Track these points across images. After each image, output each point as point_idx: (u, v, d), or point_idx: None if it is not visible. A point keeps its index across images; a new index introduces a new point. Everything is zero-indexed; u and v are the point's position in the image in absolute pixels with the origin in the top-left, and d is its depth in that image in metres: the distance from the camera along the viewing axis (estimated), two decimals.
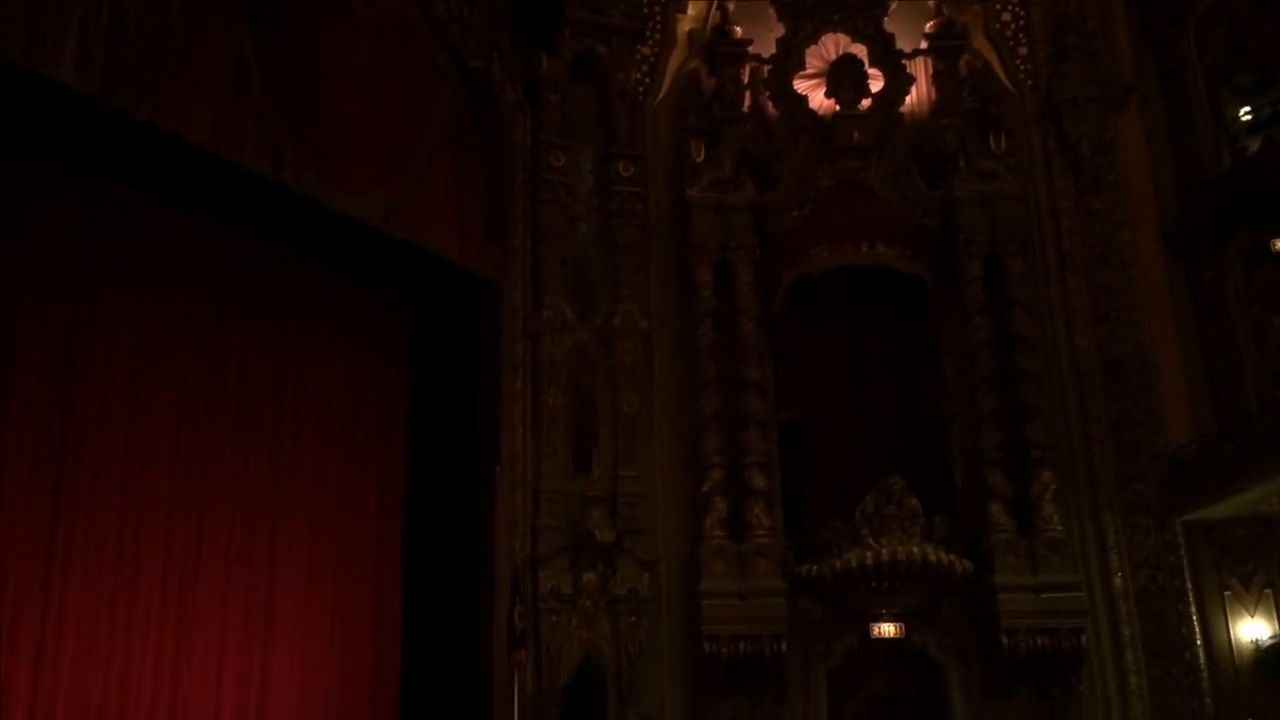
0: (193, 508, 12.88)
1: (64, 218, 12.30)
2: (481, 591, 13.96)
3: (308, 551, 13.73)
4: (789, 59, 15.40)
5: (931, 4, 15.87)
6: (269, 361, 13.85)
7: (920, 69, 15.62)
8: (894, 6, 15.67)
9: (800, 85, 15.33)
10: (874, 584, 13.40)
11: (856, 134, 14.87)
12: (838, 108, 15.09)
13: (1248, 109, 14.81)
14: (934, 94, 15.45)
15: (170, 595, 12.51)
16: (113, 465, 12.29)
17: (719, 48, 15.60)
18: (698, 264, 14.66)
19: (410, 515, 14.75)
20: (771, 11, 15.66)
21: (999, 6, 16.17)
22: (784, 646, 13.40)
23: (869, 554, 13.27)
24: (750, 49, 15.63)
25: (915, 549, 13.24)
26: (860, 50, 15.36)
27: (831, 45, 15.49)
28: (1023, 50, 16.02)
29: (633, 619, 13.73)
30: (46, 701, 11.33)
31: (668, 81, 15.87)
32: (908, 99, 15.35)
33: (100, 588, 11.96)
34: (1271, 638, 13.47)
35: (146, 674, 12.13)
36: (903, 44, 15.50)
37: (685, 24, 16.14)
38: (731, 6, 15.76)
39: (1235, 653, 13.59)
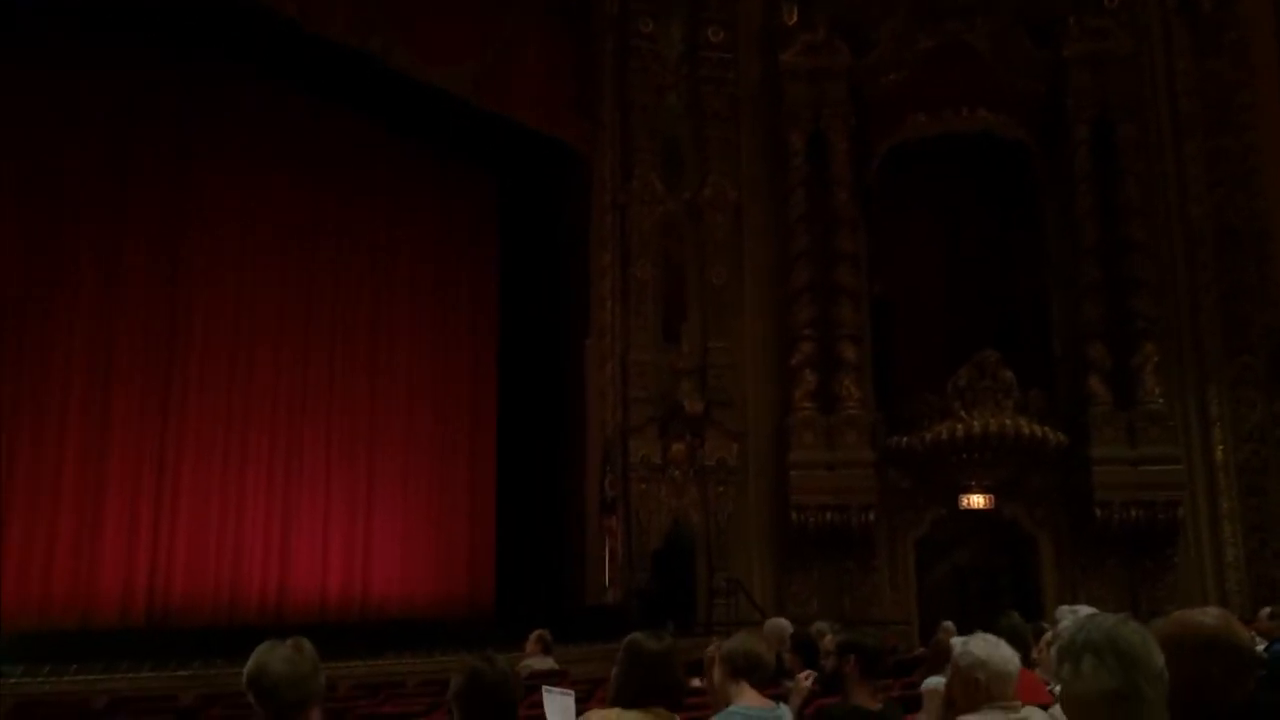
0: (296, 373, 13.33)
1: (168, 94, 12.54)
2: (573, 461, 14.28)
3: (406, 419, 14.14)
4: None
5: None
6: (365, 234, 14.06)
7: None
8: None
9: None
10: (965, 456, 13.35)
11: None
12: None
13: None
14: None
15: (278, 459, 13.05)
16: (221, 324, 12.73)
17: None
18: (790, 132, 14.34)
19: (503, 387, 15.05)
20: None
21: None
22: (872, 517, 13.53)
23: (960, 426, 13.19)
24: None
25: (1008, 421, 13.12)
26: None
27: None
28: None
29: (721, 488, 13.95)
30: (165, 562, 12.02)
31: None
32: None
33: (212, 449, 12.51)
34: None
35: (257, 535, 12.75)
36: None
37: None
38: None
39: None
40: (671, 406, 13.88)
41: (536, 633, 8.19)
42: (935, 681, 5.20)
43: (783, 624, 7.12)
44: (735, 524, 13.93)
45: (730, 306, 14.36)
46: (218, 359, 12.69)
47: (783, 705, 3.97)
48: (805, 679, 4.54)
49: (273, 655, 2.82)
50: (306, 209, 13.52)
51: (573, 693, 3.85)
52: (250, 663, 2.84)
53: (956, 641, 3.84)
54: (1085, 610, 4.13)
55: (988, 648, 3.65)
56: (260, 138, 13.18)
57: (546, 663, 7.81)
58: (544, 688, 3.94)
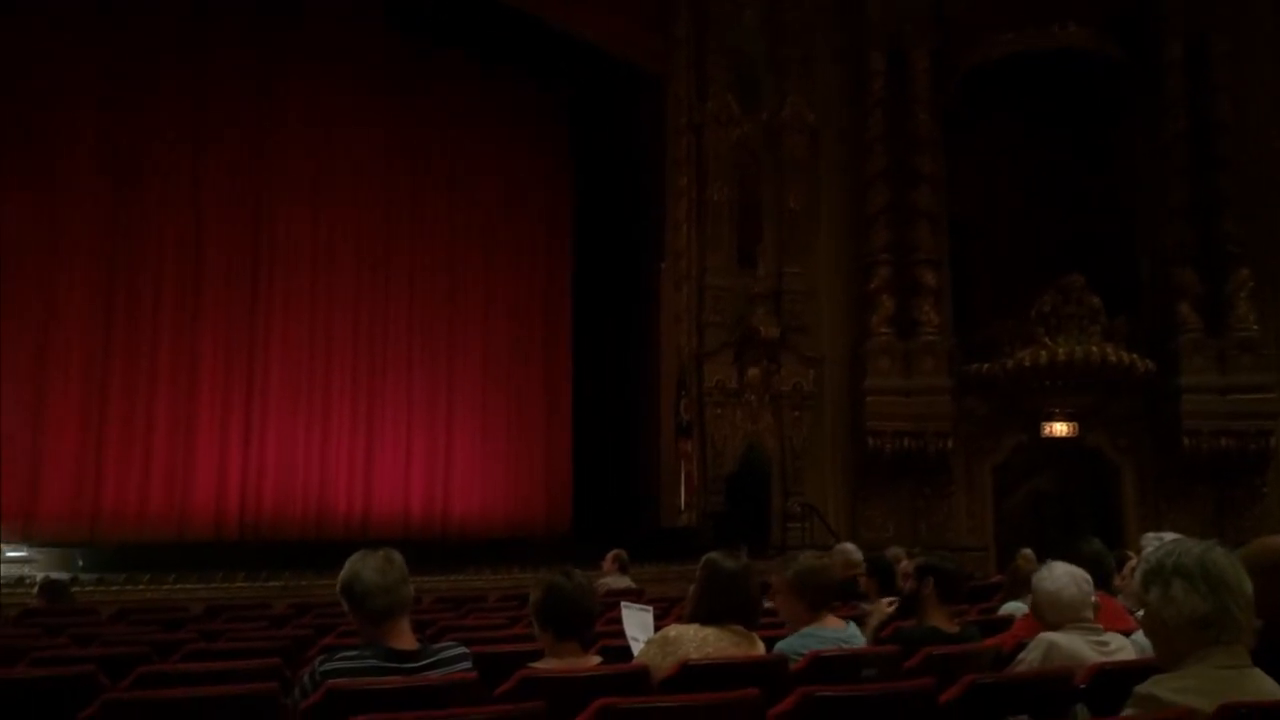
0: (376, 298, 13.56)
1: (245, 19, 12.64)
2: (648, 384, 14.35)
3: (482, 343, 14.32)
4: None
5: None
6: (439, 156, 14.14)
7: None
8: None
9: None
10: (1047, 383, 13.12)
11: None
12: None
13: None
14: None
15: (361, 381, 13.36)
16: (303, 249, 12.99)
17: None
18: (869, 51, 13.94)
19: (578, 311, 15.12)
20: None
21: None
22: (949, 443, 13.39)
23: (1044, 353, 12.93)
24: None
25: (1094, 348, 12.83)
26: None
27: None
28: None
29: (796, 414, 13.89)
30: (255, 479, 12.44)
31: None
32: None
33: (297, 371, 12.87)
34: None
35: (342, 454, 13.12)
36: None
37: None
38: None
39: None
40: (746, 331, 13.80)
41: (613, 552, 8.31)
42: (1014, 607, 5.19)
43: (850, 548, 7.14)
44: (810, 449, 13.91)
45: (806, 230, 14.15)
46: (300, 284, 12.97)
47: (852, 625, 3.99)
48: (888, 604, 4.55)
49: (365, 564, 2.91)
50: (383, 133, 13.63)
51: (650, 608, 3.92)
52: (344, 570, 2.93)
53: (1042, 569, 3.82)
54: (1171, 538, 4.07)
55: (1064, 574, 3.65)
56: (336, 62, 13.26)
57: (623, 581, 7.94)
58: (623, 603, 4.02)
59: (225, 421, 12.32)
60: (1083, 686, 3.19)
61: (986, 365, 13.40)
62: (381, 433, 13.42)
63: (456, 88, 14.21)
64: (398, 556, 2.99)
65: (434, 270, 14.03)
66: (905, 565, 5.46)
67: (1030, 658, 3.55)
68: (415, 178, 13.93)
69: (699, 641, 3.35)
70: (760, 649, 3.50)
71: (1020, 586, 5.30)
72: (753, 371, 13.90)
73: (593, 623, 3.29)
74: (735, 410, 13.83)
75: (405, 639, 2.92)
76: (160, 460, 11.85)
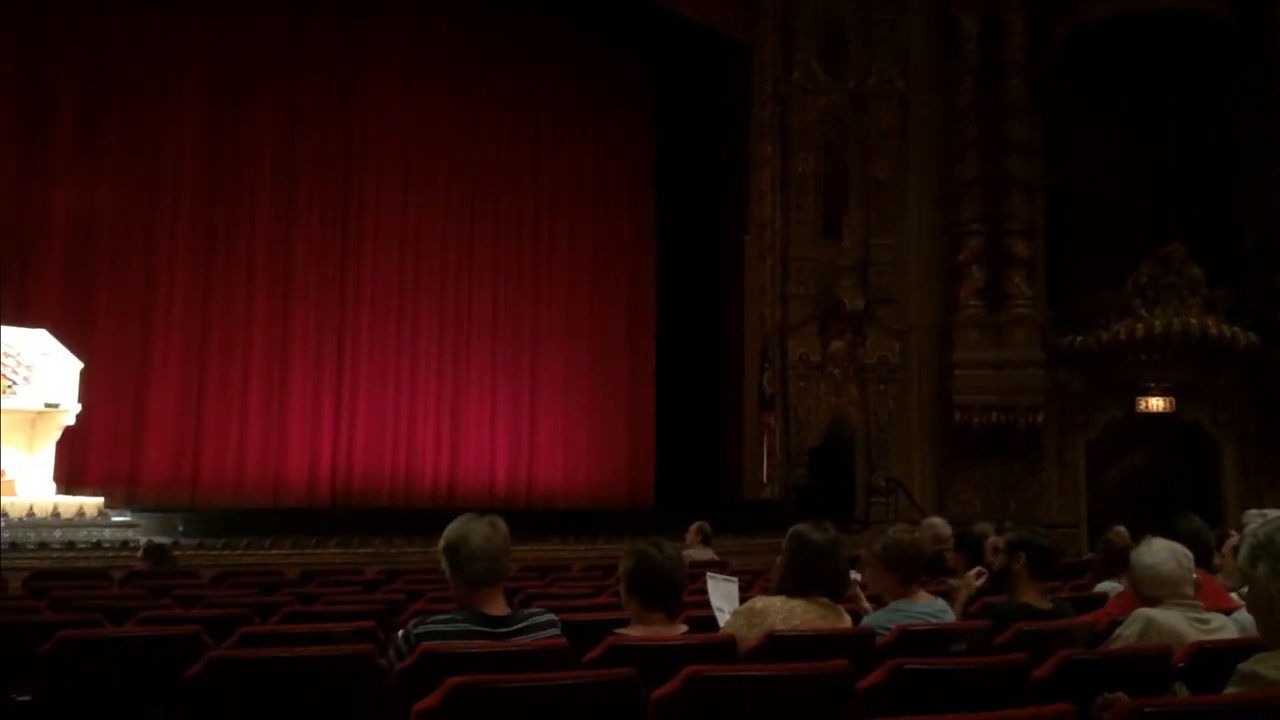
0: (462, 271, 13.73)
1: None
2: (731, 356, 14.30)
3: (566, 315, 14.41)
4: None
5: None
6: (524, 126, 14.21)
7: None
8: None
9: None
10: (1144, 356, 12.73)
11: None
12: None
13: None
14: None
15: (447, 353, 13.56)
16: (391, 223, 13.19)
17: None
18: (962, 15, 13.59)
19: (661, 282, 15.10)
20: None
21: None
22: (1040, 418, 13.11)
23: (1140, 325, 12.55)
24: None
25: (1194, 320, 12.41)
26: None
27: None
28: None
29: (882, 387, 13.74)
30: (345, 449, 12.73)
31: None
32: None
33: (385, 342, 13.11)
34: None
35: (429, 425, 13.34)
36: None
37: None
38: None
39: None
40: (831, 303, 13.66)
41: (697, 524, 8.34)
42: (1108, 585, 5.08)
43: (938, 523, 7.05)
44: (895, 423, 13.74)
45: (894, 200, 13.91)
46: (388, 257, 13.19)
47: (940, 600, 3.95)
48: (976, 576, 4.48)
49: (473, 529, 2.95)
50: (468, 104, 13.75)
51: (736, 579, 3.93)
52: (452, 531, 2.97)
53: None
54: (1277, 514, 3.93)
55: (1164, 549, 3.56)
56: (423, 31, 13.40)
57: (706, 553, 7.96)
58: (708, 574, 4.03)
59: (317, 392, 12.62)
60: (1181, 665, 3.12)
61: (1080, 338, 13.07)
62: (467, 403, 13.61)
63: (541, 57, 14.24)
64: (503, 525, 3.02)
65: (518, 241, 14.14)
66: (995, 540, 5.37)
67: (1127, 633, 3.46)
68: (500, 149, 14.03)
69: (785, 613, 3.35)
70: (847, 622, 3.49)
71: (1114, 564, 5.18)
72: (837, 344, 13.76)
73: (680, 594, 3.31)
74: (819, 383, 13.72)
75: (497, 605, 2.96)
76: (255, 430, 12.20)
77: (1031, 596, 3.96)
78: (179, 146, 12.01)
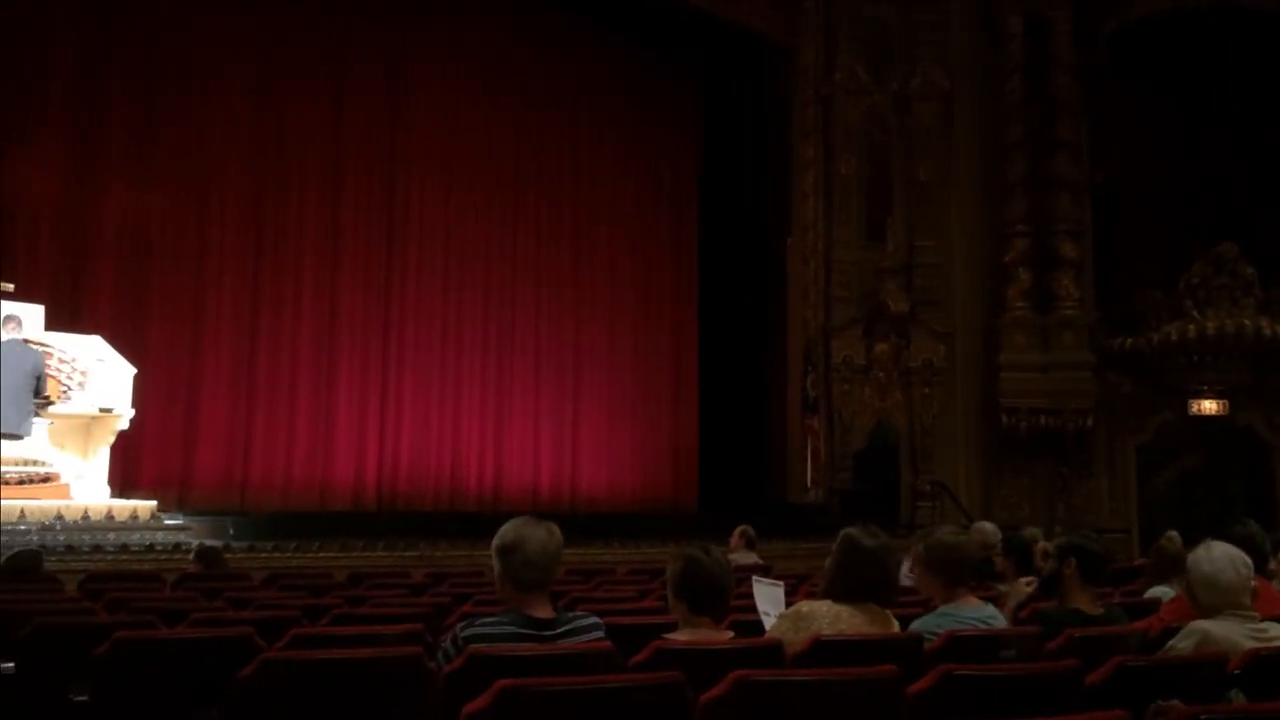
0: (505, 278, 13.80)
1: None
2: (774, 359, 14.25)
3: (609, 319, 14.44)
4: None
5: None
6: (565, 128, 14.27)
7: None
8: None
9: None
10: (1196, 358, 12.53)
11: None
12: None
13: None
14: None
15: (490, 358, 13.64)
16: (433, 235, 13.30)
17: None
18: (1006, 14, 13.46)
19: (704, 285, 15.10)
20: None
21: None
22: (1089, 421, 12.95)
23: (1192, 327, 12.36)
24: None
25: (1247, 321, 12.19)
26: None
27: None
28: None
29: (926, 390, 13.63)
30: (391, 453, 12.85)
31: None
32: None
33: (430, 350, 13.21)
34: None
35: (473, 430, 13.43)
36: None
37: None
38: None
39: None
40: (875, 306, 13.58)
41: (740, 528, 8.30)
42: (1160, 591, 4.99)
43: (988, 528, 6.95)
44: (941, 426, 13.62)
45: (938, 201, 13.80)
46: (432, 265, 13.30)
47: (990, 606, 3.90)
48: (1026, 584, 4.42)
49: (531, 534, 2.95)
50: (511, 109, 13.84)
51: (782, 583, 3.91)
52: (508, 532, 2.97)
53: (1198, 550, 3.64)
54: None
55: (1223, 556, 3.48)
56: (466, 38, 13.51)
57: (750, 557, 7.92)
58: (754, 578, 4.01)
59: (363, 397, 12.75)
60: (1237, 672, 3.06)
61: (1130, 340, 12.89)
62: (510, 407, 13.69)
63: (584, 62, 14.30)
64: (559, 533, 3.02)
65: (560, 245, 14.20)
66: (1044, 545, 5.30)
67: (1181, 646, 3.39)
68: (542, 153, 14.11)
69: (832, 618, 3.31)
70: (895, 628, 3.45)
71: (1166, 569, 5.09)
72: (881, 347, 13.69)
73: (728, 599, 3.30)
74: (863, 386, 13.65)
75: (543, 608, 2.98)
76: (303, 435, 12.35)
77: (1082, 602, 3.90)
78: (226, 157, 12.19)
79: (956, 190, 13.87)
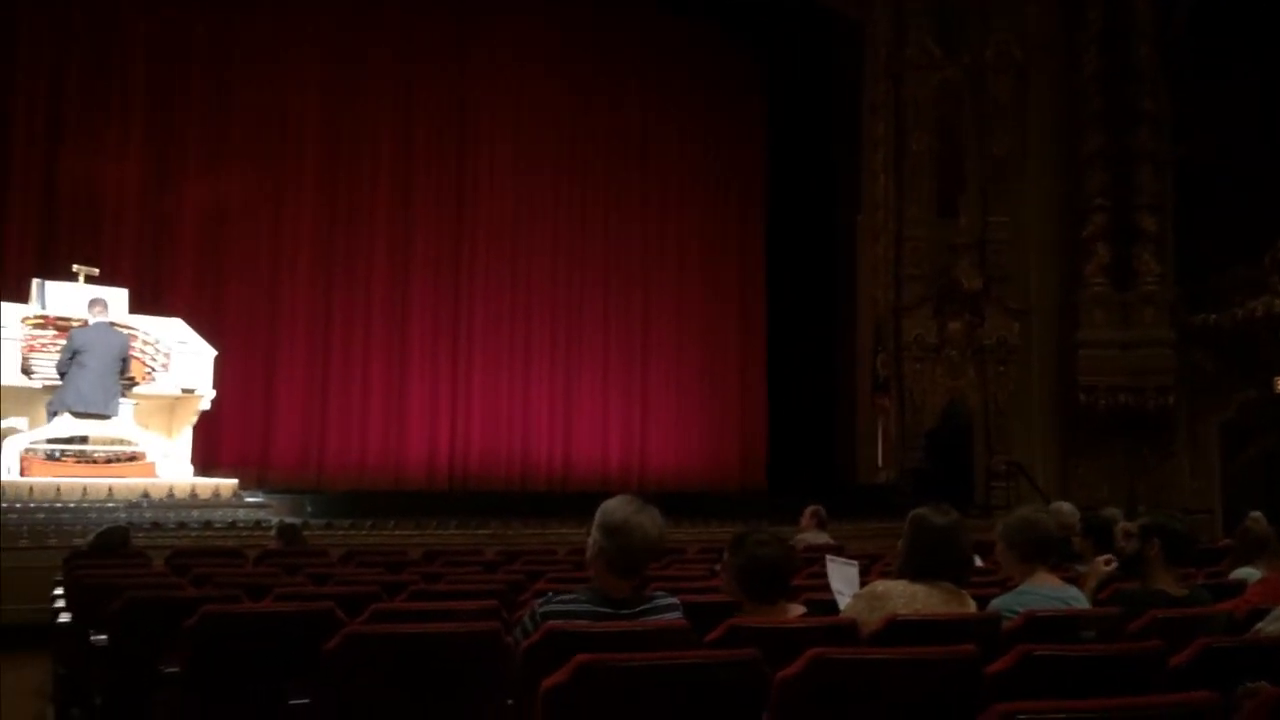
0: (573, 259, 13.87)
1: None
2: (844, 339, 14.13)
3: (677, 298, 14.44)
4: None
5: None
6: (632, 108, 14.27)
7: None
8: None
9: None
10: None
11: None
12: None
13: None
14: None
15: (559, 339, 13.73)
16: (501, 219, 13.40)
17: None
18: None
19: (772, 265, 15.01)
20: None
21: None
22: (1170, 399, 12.64)
23: (1278, 302, 11.97)
24: None
25: None
26: None
27: None
28: None
29: (1001, 368, 13.42)
30: (462, 434, 13.01)
31: None
32: None
33: (499, 331, 13.34)
34: None
35: (543, 410, 13.54)
36: None
37: None
38: None
39: None
40: (947, 284, 13.38)
41: (811, 507, 8.26)
42: (1246, 573, 4.87)
43: (1066, 508, 6.82)
44: (1015, 405, 13.40)
45: (1012, 177, 13.53)
46: (501, 247, 13.40)
47: (1072, 587, 3.84)
48: (1106, 563, 4.34)
49: (641, 521, 2.91)
50: (577, 90, 13.88)
51: (856, 563, 3.89)
52: (616, 513, 2.94)
53: None
54: None
55: None
56: (532, 23, 13.54)
57: (821, 537, 7.89)
58: (828, 557, 4.00)
59: (435, 378, 12.93)
60: None
61: (1214, 316, 12.55)
62: (579, 388, 13.78)
63: (648, 39, 14.28)
64: (661, 523, 2.97)
65: (628, 225, 14.23)
66: (1125, 526, 5.20)
67: (1270, 630, 3.31)
68: (608, 135, 14.13)
69: (908, 597, 3.29)
70: (971, 607, 3.41)
71: (1252, 550, 4.95)
72: (954, 325, 13.49)
73: (786, 580, 3.28)
74: (935, 365, 13.48)
75: (621, 587, 2.99)
76: (376, 415, 12.57)
77: (1166, 583, 3.83)
78: (299, 141, 12.39)
79: (1032, 164, 13.59)
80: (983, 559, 5.33)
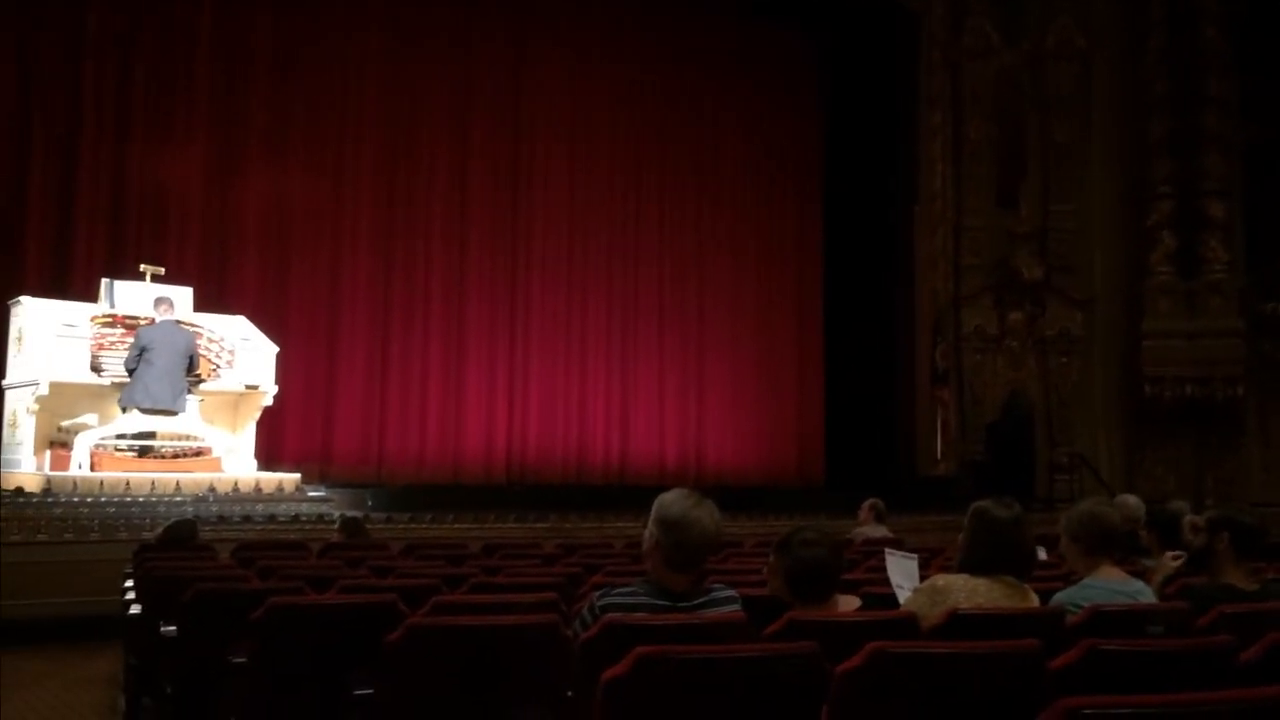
0: (629, 253, 13.88)
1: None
2: (902, 330, 13.99)
3: (733, 291, 14.39)
4: None
5: None
6: (688, 100, 14.24)
7: None
8: None
9: None
10: None
11: None
12: None
13: None
14: None
15: (615, 335, 13.76)
16: (557, 217, 13.45)
17: None
18: None
19: (828, 256, 14.90)
20: None
21: None
22: (1240, 390, 12.34)
23: None
24: None
25: None
26: None
27: None
28: None
29: (1063, 359, 13.21)
30: (520, 429, 13.10)
31: None
32: None
33: (556, 328, 13.40)
34: None
35: (599, 405, 13.59)
36: None
37: None
38: None
39: None
40: (1007, 274, 13.20)
41: (869, 501, 8.19)
42: None
43: (1131, 501, 6.68)
44: (1078, 397, 13.18)
45: (1074, 164, 13.29)
46: (557, 245, 13.46)
47: (1138, 581, 3.76)
48: (1174, 558, 4.25)
49: (699, 516, 2.89)
50: (632, 85, 13.87)
51: (915, 556, 3.85)
52: (675, 508, 2.92)
53: None
54: None
55: None
56: (588, 17, 13.56)
57: (880, 530, 7.82)
58: (888, 551, 3.96)
59: (492, 374, 13.02)
60: None
61: None
62: (636, 383, 13.80)
63: (704, 28, 14.23)
64: (719, 519, 2.94)
65: (683, 219, 14.21)
66: (1193, 519, 5.08)
67: None
68: (663, 129, 14.12)
69: (969, 591, 3.25)
70: (1034, 602, 3.36)
71: None
72: (1014, 315, 13.31)
73: (837, 583, 3.25)
74: (995, 356, 13.30)
75: (679, 580, 2.99)
76: (435, 411, 12.70)
77: (1236, 578, 3.74)
78: (357, 140, 12.53)
79: (1095, 151, 13.35)
80: (1047, 552, 5.25)
